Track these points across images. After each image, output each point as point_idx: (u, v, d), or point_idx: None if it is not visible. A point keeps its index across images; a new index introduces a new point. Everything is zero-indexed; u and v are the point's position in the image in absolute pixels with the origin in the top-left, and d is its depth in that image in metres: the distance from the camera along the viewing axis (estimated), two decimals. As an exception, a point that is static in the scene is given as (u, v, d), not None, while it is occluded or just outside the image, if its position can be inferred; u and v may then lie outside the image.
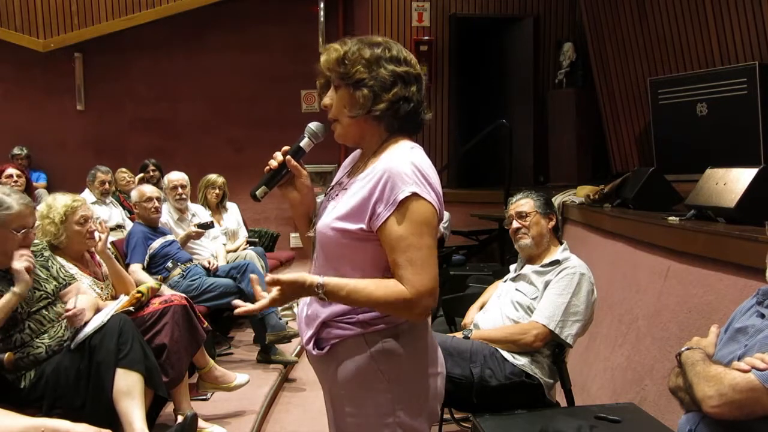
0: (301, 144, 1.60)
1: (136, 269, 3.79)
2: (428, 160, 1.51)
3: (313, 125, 1.60)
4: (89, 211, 2.98)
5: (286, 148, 1.59)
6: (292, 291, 1.43)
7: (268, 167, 1.58)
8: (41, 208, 2.92)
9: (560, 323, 2.49)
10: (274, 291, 1.42)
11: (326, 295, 1.43)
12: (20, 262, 2.36)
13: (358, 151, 1.65)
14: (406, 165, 1.44)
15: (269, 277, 1.42)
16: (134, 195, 4.10)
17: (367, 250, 1.47)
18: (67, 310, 2.46)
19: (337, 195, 1.57)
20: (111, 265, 3.05)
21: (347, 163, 1.68)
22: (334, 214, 1.50)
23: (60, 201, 2.91)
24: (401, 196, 1.41)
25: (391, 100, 1.49)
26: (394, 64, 1.50)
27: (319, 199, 1.67)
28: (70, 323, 2.49)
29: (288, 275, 1.43)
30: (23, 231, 2.41)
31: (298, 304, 5.55)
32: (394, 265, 1.43)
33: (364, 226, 1.45)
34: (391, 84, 1.49)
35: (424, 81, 1.57)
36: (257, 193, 1.58)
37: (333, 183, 1.66)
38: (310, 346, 1.56)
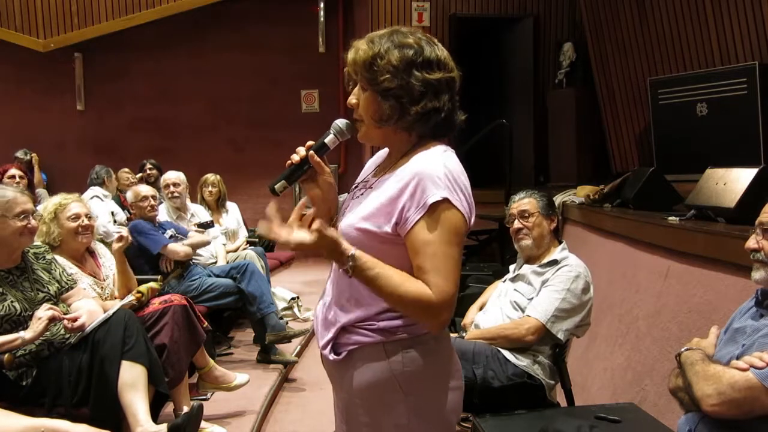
0: (326, 140, 1.51)
1: (174, 247, 3.89)
2: (461, 166, 1.42)
3: (340, 122, 1.52)
4: (82, 208, 2.98)
5: (310, 143, 1.51)
6: (326, 245, 1.32)
7: (289, 161, 1.50)
8: (39, 209, 2.96)
9: (552, 318, 2.49)
10: (308, 234, 1.30)
11: (354, 269, 1.33)
12: (46, 311, 2.35)
13: (384, 150, 1.56)
14: (439, 169, 1.37)
15: (317, 222, 1.30)
16: (130, 195, 4.18)
17: (391, 254, 1.38)
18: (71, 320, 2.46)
19: (362, 194, 1.49)
20: (124, 268, 3.07)
21: (373, 161, 1.61)
22: (359, 213, 1.42)
23: (52, 200, 2.99)
24: (431, 200, 1.34)
25: (420, 113, 1.40)
26: (426, 70, 1.39)
27: (341, 198, 1.60)
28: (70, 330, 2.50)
29: (332, 230, 1.34)
30: (23, 216, 2.44)
31: (300, 307, 5.50)
32: (419, 270, 1.35)
33: (389, 228, 1.38)
34: (420, 95, 1.39)
35: (458, 81, 1.45)
36: (276, 187, 1.50)
37: (358, 181, 1.57)
38: (327, 350, 1.48)
